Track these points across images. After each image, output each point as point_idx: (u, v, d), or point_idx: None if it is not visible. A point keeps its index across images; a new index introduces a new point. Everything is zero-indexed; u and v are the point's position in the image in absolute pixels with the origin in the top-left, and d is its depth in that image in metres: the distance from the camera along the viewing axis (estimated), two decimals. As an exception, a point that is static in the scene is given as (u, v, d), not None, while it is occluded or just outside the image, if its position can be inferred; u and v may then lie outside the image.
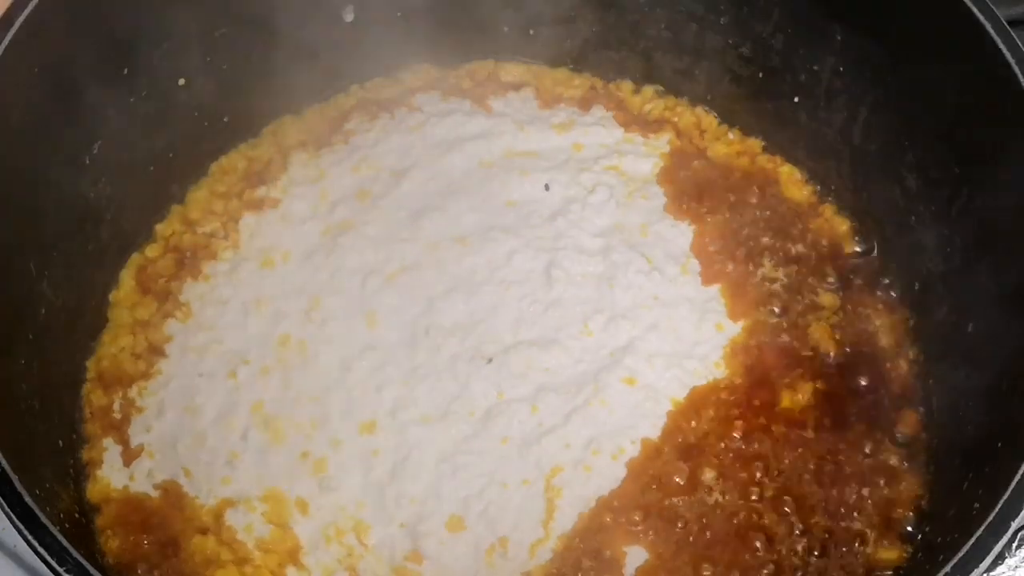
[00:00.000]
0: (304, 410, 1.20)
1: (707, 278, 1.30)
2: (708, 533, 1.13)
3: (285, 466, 1.17)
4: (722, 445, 1.18)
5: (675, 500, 1.15)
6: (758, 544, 1.13)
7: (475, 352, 1.22)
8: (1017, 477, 0.93)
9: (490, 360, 1.22)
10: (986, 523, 0.92)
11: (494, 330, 1.24)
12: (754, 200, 1.36)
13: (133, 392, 1.23)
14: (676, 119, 1.45)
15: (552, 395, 1.20)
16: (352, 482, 1.16)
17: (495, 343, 1.23)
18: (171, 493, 1.16)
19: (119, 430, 1.21)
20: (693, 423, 1.19)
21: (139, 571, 1.12)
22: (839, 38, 1.28)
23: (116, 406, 1.23)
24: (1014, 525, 0.91)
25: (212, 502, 1.16)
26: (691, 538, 1.13)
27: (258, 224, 1.35)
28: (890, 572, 1.12)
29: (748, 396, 1.22)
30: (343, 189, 1.36)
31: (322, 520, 1.14)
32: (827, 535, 1.14)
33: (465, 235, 1.31)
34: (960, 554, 0.91)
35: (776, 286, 1.30)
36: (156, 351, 1.26)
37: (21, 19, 1.07)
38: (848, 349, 1.26)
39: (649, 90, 1.47)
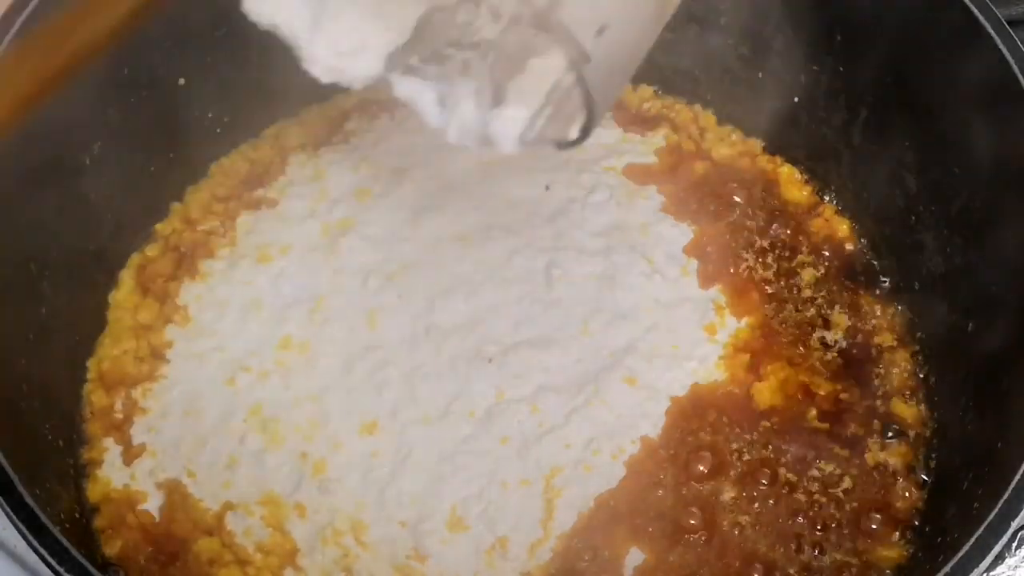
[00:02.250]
0: (304, 412, 1.20)
1: (707, 278, 1.30)
2: (707, 533, 1.13)
3: (283, 470, 1.17)
4: (721, 444, 1.18)
5: (674, 500, 1.15)
6: (756, 543, 1.13)
7: (475, 352, 1.22)
8: (1017, 477, 0.93)
9: (490, 360, 1.22)
10: (986, 523, 0.92)
11: (494, 330, 1.24)
12: (754, 200, 1.36)
13: (136, 393, 1.23)
14: (675, 118, 1.44)
15: (552, 395, 1.20)
16: (351, 483, 1.16)
17: (495, 343, 1.23)
18: (174, 494, 1.16)
19: (120, 431, 1.21)
20: (693, 423, 1.19)
21: (140, 571, 1.11)
22: (839, 38, 1.28)
23: (118, 406, 1.22)
24: (1014, 525, 0.91)
25: (216, 507, 1.15)
26: (689, 538, 1.13)
27: (255, 222, 1.34)
28: (890, 572, 1.12)
29: (748, 395, 1.22)
30: (342, 188, 1.36)
31: (319, 523, 1.14)
32: (826, 534, 1.14)
33: (465, 234, 1.31)
34: (960, 554, 0.91)
35: (776, 286, 1.30)
36: (157, 355, 1.25)
37: (21, 19, 1.07)
38: (848, 349, 1.26)
39: (648, 90, 1.47)
